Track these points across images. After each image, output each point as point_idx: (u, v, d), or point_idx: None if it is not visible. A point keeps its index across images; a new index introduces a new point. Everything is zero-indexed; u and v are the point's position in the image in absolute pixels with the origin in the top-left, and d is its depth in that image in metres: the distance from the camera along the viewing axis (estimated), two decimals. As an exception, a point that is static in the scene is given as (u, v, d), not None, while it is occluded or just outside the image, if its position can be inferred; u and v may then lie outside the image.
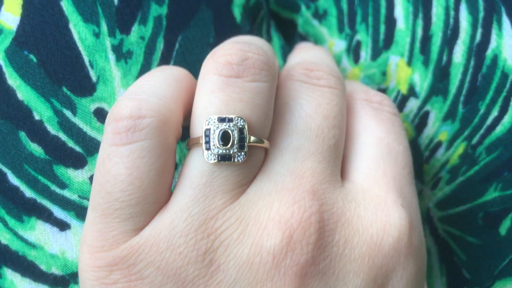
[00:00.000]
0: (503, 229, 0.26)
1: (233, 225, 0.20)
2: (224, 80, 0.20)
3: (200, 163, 0.20)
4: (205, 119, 0.20)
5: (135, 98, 0.20)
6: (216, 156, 0.20)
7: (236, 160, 0.20)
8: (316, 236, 0.20)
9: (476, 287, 0.27)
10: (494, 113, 0.26)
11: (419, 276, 0.22)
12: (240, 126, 0.20)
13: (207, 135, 0.20)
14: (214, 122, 0.20)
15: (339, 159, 0.23)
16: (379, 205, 0.22)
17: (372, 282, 0.20)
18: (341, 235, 0.20)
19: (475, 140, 0.26)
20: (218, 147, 0.20)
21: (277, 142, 0.22)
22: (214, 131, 0.20)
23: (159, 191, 0.20)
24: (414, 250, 0.21)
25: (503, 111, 0.26)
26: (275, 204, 0.20)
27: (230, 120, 0.20)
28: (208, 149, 0.20)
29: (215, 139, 0.20)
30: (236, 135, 0.20)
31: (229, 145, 0.20)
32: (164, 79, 0.21)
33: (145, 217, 0.20)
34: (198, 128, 0.21)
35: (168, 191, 0.21)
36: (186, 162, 0.21)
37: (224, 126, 0.20)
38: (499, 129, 0.26)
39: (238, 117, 0.20)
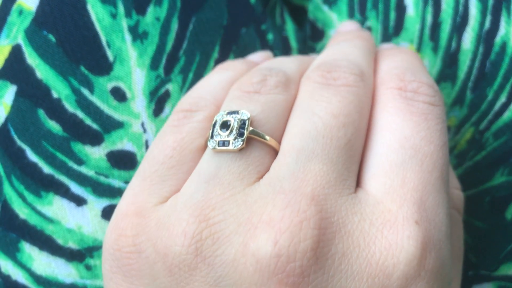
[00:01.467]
0: (509, 214, 0.27)
1: (227, 221, 0.19)
2: (243, 93, 0.22)
3: (208, 154, 0.21)
4: None
5: (194, 97, 0.23)
6: (216, 142, 0.20)
7: (233, 146, 0.20)
8: (307, 244, 0.18)
9: (481, 270, 0.27)
10: (502, 99, 0.26)
11: None
12: (243, 118, 0.20)
13: (214, 126, 0.21)
14: (222, 115, 0.21)
15: (352, 161, 0.21)
16: (387, 221, 0.19)
17: None
18: (338, 248, 0.18)
19: (482, 126, 0.27)
20: (219, 134, 0.20)
21: (283, 145, 0.21)
22: (219, 121, 0.21)
23: (192, 163, 0.21)
24: (428, 273, 0.19)
25: (510, 97, 0.26)
26: (268, 207, 0.19)
27: (236, 112, 0.21)
28: (211, 137, 0.21)
29: (217, 127, 0.21)
30: (236, 124, 0.20)
31: (227, 132, 0.20)
32: (219, 86, 0.24)
33: (172, 187, 0.21)
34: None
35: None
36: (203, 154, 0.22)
37: (228, 117, 0.21)
38: (507, 115, 0.26)
39: (243, 111, 0.21)
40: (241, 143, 0.20)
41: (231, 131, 0.20)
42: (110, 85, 0.24)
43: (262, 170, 0.20)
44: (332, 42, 0.27)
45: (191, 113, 0.22)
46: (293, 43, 0.30)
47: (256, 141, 0.20)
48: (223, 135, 0.20)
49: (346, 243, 0.19)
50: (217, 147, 0.20)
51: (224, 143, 0.20)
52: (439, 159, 0.21)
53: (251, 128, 0.20)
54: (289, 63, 0.24)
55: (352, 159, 0.21)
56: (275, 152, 0.21)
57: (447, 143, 0.22)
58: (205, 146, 0.22)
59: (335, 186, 0.19)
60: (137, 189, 0.21)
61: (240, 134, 0.20)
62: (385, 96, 0.22)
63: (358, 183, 0.21)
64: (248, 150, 0.20)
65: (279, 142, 0.21)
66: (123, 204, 0.21)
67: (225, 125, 0.20)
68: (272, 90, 0.22)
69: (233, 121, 0.20)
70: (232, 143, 0.20)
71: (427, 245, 0.19)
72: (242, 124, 0.20)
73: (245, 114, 0.21)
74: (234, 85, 0.23)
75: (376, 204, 0.20)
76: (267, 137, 0.20)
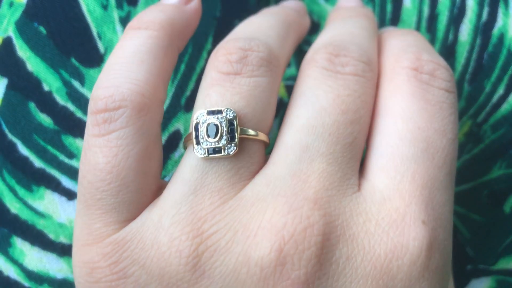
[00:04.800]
0: (507, 207, 0.26)
1: (221, 230, 0.18)
2: (222, 76, 0.20)
3: (192, 158, 0.19)
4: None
5: (108, 86, 0.19)
6: (206, 150, 0.19)
7: (226, 152, 0.19)
8: (311, 252, 0.18)
9: (480, 264, 0.27)
10: (500, 91, 0.26)
11: None
12: (230, 117, 0.19)
13: (196, 130, 0.19)
14: (203, 115, 0.19)
15: (355, 159, 0.20)
16: (394, 222, 0.19)
17: None
18: (342, 252, 0.18)
19: (480, 118, 0.26)
20: (206, 140, 0.19)
21: (285, 139, 0.20)
22: (203, 124, 0.19)
23: (141, 179, 0.19)
24: (431, 273, 0.19)
25: (508, 89, 0.26)
26: (268, 212, 0.18)
27: (219, 112, 0.19)
28: (198, 143, 0.19)
29: (203, 132, 0.19)
30: (224, 126, 0.19)
31: (217, 138, 0.19)
32: (135, 58, 0.20)
33: (129, 208, 0.19)
34: (192, 123, 0.20)
35: (154, 179, 0.20)
36: (183, 158, 0.20)
37: (212, 118, 0.19)
38: (504, 107, 0.26)
39: (227, 108, 0.19)
40: (235, 148, 0.19)
41: (221, 136, 0.19)
42: None
43: (254, 169, 0.20)
44: (335, 17, 0.25)
45: (109, 113, 0.19)
46: None
47: (245, 140, 0.19)
48: (211, 141, 0.19)
49: (350, 246, 0.18)
50: (207, 155, 0.19)
51: (215, 150, 0.19)
52: (449, 154, 0.20)
53: (240, 128, 0.19)
54: (269, 29, 0.22)
55: (356, 157, 0.20)
56: (264, 145, 0.20)
57: (457, 134, 0.21)
58: (156, 153, 0.20)
59: (339, 186, 0.19)
60: (86, 218, 0.19)
61: (231, 138, 0.19)
62: (400, 77, 0.21)
63: (363, 173, 0.20)
64: (238, 151, 0.19)
65: (267, 133, 0.20)
66: (78, 234, 0.20)
67: (211, 129, 0.19)
68: (255, 71, 0.20)
69: (220, 124, 0.19)
70: (225, 150, 0.19)
71: (432, 245, 0.19)
72: (231, 126, 0.19)
73: (230, 113, 0.19)
74: (211, 62, 0.20)
75: (383, 202, 0.19)
76: (261, 134, 0.19)
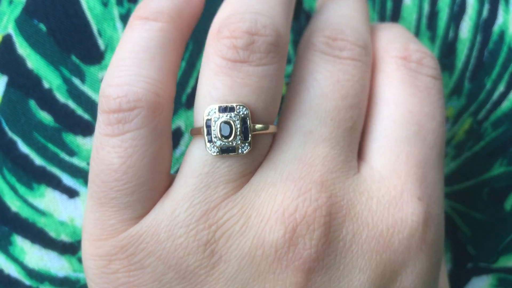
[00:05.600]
0: (508, 205, 0.26)
1: (235, 216, 0.19)
2: (228, 64, 0.19)
3: (203, 153, 0.19)
4: (208, 105, 0.19)
5: (120, 84, 0.19)
6: (219, 148, 0.19)
7: (240, 151, 0.19)
8: (321, 231, 0.19)
9: (480, 262, 0.27)
10: (500, 88, 0.26)
11: (431, 270, 0.21)
12: (243, 116, 0.19)
13: (208, 126, 0.19)
14: (215, 112, 0.19)
15: (355, 142, 0.21)
16: (393, 198, 0.20)
17: (379, 278, 0.20)
18: (348, 230, 0.19)
19: (481, 116, 0.26)
20: (220, 139, 0.19)
21: (287, 124, 0.20)
22: (215, 122, 0.19)
23: (155, 177, 0.19)
24: (428, 245, 0.20)
25: (509, 87, 0.26)
26: (279, 196, 0.19)
27: (232, 109, 0.19)
28: (210, 141, 0.19)
29: (216, 131, 0.19)
30: (238, 125, 0.19)
31: (231, 138, 0.19)
32: (146, 54, 0.20)
33: (144, 205, 0.19)
34: (200, 116, 0.19)
35: (166, 176, 0.20)
36: (190, 149, 0.20)
37: (225, 116, 0.19)
38: (505, 105, 0.26)
39: (239, 105, 0.19)
40: (248, 147, 0.19)
41: (235, 136, 0.19)
42: (101, 74, 0.24)
43: (264, 158, 0.20)
44: (326, 5, 0.25)
45: (124, 114, 0.19)
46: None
47: (257, 135, 0.20)
48: (224, 139, 0.19)
49: (356, 224, 0.20)
50: (221, 154, 0.19)
51: (228, 149, 0.19)
52: (439, 136, 0.22)
53: (257, 126, 0.19)
54: (274, 4, 0.21)
55: (356, 140, 0.21)
56: (273, 134, 0.20)
57: (445, 119, 0.22)
58: (168, 151, 0.20)
59: (342, 169, 0.20)
60: (99, 214, 0.19)
61: (245, 137, 0.19)
62: (390, 66, 0.22)
63: (360, 155, 0.21)
64: (252, 147, 0.20)
65: (274, 121, 0.20)
66: (90, 229, 0.20)
67: (225, 129, 0.19)
68: (263, 58, 0.19)
69: (234, 124, 0.19)
70: (239, 149, 0.19)
71: (428, 220, 0.20)
72: (244, 124, 0.19)
73: (243, 110, 0.19)
74: (213, 44, 0.20)
75: (381, 180, 0.20)
76: (271, 127, 0.20)
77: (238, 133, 0.19)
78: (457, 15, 0.26)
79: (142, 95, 0.19)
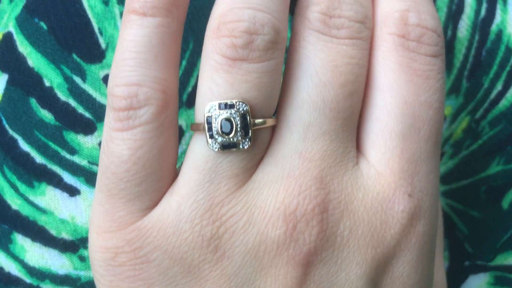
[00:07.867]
0: (505, 203, 0.27)
1: (239, 213, 0.20)
2: (228, 61, 0.19)
3: (205, 148, 0.20)
4: (208, 102, 0.19)
5: (128, 84, 0.19)
6: (220, 144, 0.19)
7: (241, 147, 0.20)
8: (319, 228, 0.20)
9: (478, 260, 0.27)
10: (498, 87, 0.26)
11: (423, 259, 0.21)
12: (243, 112, 0.19)
13: (209, 122, 0.19)
14: (215, 109, 0.19)
15: (354, 130, 0.21)
16: (387, 196, 0.21)
17: (373, 270, 0.20)
18: (346, 226, 0.20)
19: (478, 114, 0.27)
20: (221, 136, 0.19)
21: (287, 115, 0.20)
22: (216, 119, 0.19)
23: (163, 168, 0.20)
24: (418, 237, 0.21)
25: (506, 86, 0.26)
26: (281, 193, 0.20)
27: (232, 106, 0.19)
28: (211, 137, 0.19)
29: (217, 127, 0.19)
30: (238, 121, 0.19)
31: (232, 134, 0.19)
32: (149, 53, 0.20)
33: (151, 196, 0.20)
34: (201, 112, 0.20)
35: (173, 167, 0.21)
36: (192, 144, 0.20)
37: (225, 113, 0.19)
38: (503, 104, 0.26)
39: (239, 101, 0.19)
40: (249, 142, 0.20)
41: (236, 132, 0.19)
42: (102, 73, 0.24)
43: (265, 152, 0.21)
44: None
45: (134, 111, 0.19)
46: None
47: (257, 130, 0.20)
48: (225, 136, 0.19)
49: (352, 220, 0.20)
50: (222, 149, 0.20)
51: (230, 145, 0.19)
52: (436, 124, 0.21)
53: (257, 121, 0.20)
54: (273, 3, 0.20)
55: (354, 128, 0.21)
56: (273, 126, 0.21)
57: (444, 99, 0.22)
58: (175, 143, 0.21)
59: (341, 162, 0.21)
60: (108, 206, 0.20)
61: (245, 133, 0.20)
62: (387, 45, 0.21)
63: (357, 144, 0.22)
64: (253, 141, 0.20)
65: (273, 114, 0.20)
66: (99, 221, 0.20)
67: (226, 126, 0.19)
68: (262, 56, 0.20)
69: (234, 120, 0.19)
70: (239, 144, 0.20)
71: (418, 214, 0.21)
72: (244, 120, 0.19)
73: (243, 106, 0.19)
74: (213, 41, 0.20)
75: (377, 177, 0.21)
76: (269, 120, 0.20)
77: (238, 129, 0.19)
78: (455, 14, 0.26)
79: (151, 94, 0.19)
